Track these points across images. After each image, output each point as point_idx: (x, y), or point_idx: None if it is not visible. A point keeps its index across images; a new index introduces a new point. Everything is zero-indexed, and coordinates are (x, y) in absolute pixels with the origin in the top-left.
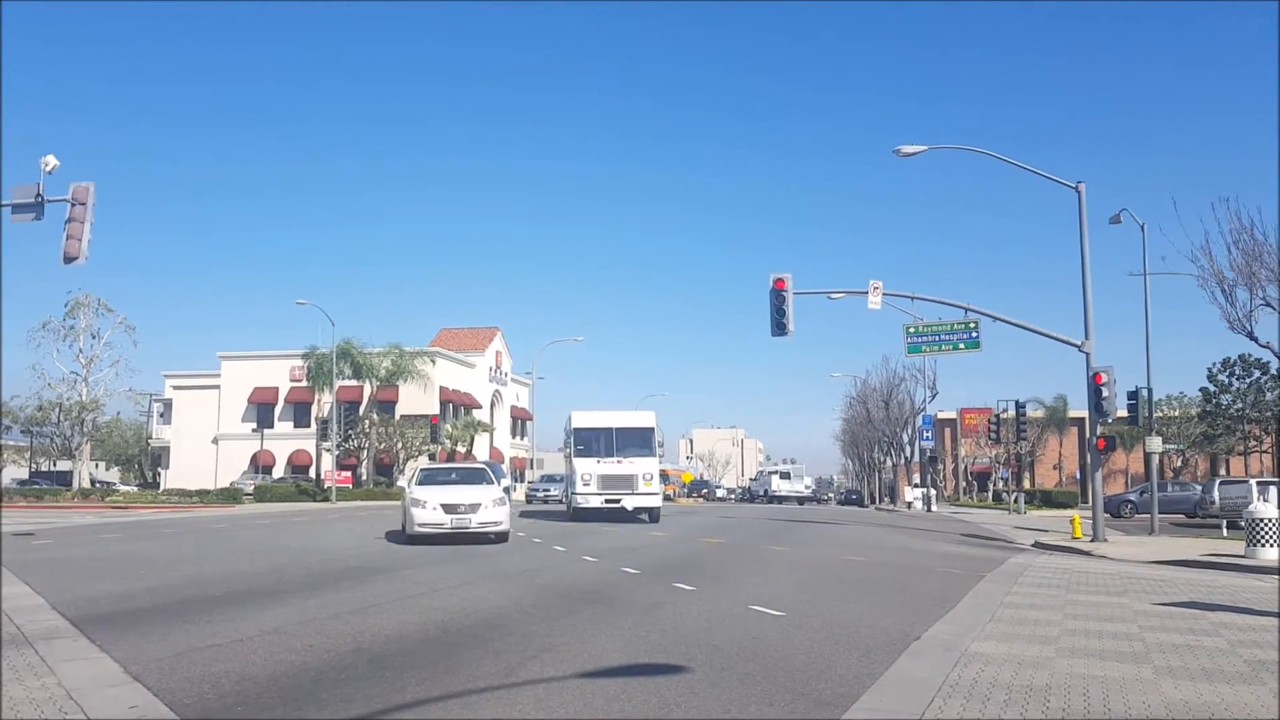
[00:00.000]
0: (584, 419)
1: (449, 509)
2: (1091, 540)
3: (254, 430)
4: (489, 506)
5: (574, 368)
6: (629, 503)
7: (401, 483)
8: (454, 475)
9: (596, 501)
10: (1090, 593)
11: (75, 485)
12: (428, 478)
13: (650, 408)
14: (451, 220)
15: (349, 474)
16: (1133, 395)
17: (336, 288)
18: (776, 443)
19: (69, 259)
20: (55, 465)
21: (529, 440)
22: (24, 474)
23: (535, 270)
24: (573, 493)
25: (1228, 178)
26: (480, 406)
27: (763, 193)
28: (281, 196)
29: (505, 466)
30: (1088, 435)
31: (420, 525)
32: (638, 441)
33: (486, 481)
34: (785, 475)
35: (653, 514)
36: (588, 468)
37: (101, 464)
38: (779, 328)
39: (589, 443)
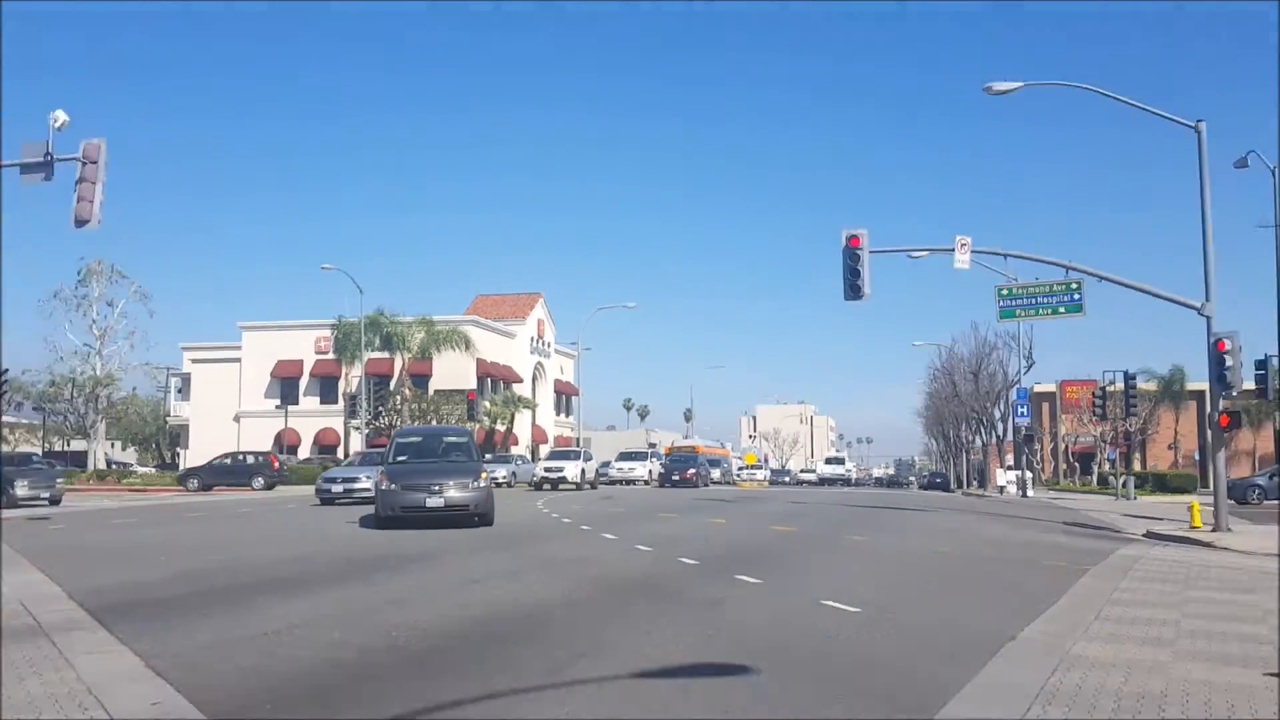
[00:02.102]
0: None
1: None
2: (1213, 530)
3: (277, 407)
4: None
5: (625, 337)
6: None
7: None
8: None
9: None
10: (1212, 589)
11: (90, 466)
12: None
13: (709, 381)
14: (488, 179)
15: None
16: (1261, 365)
17: (365, 252)
18: (850, 420)
19: (80, 222)
20: (69, 445)
21: (575, 417)
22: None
23: (580, 232)
24: None
25: None
26: (520, 380)
27: (833, 142)
28: (304, 156)
29: (547, 448)
30: (1208, 411)
31: None
32: None
33: None
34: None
35: None
36: None
37: (117, 443)
38: (853, 290)
39: None
